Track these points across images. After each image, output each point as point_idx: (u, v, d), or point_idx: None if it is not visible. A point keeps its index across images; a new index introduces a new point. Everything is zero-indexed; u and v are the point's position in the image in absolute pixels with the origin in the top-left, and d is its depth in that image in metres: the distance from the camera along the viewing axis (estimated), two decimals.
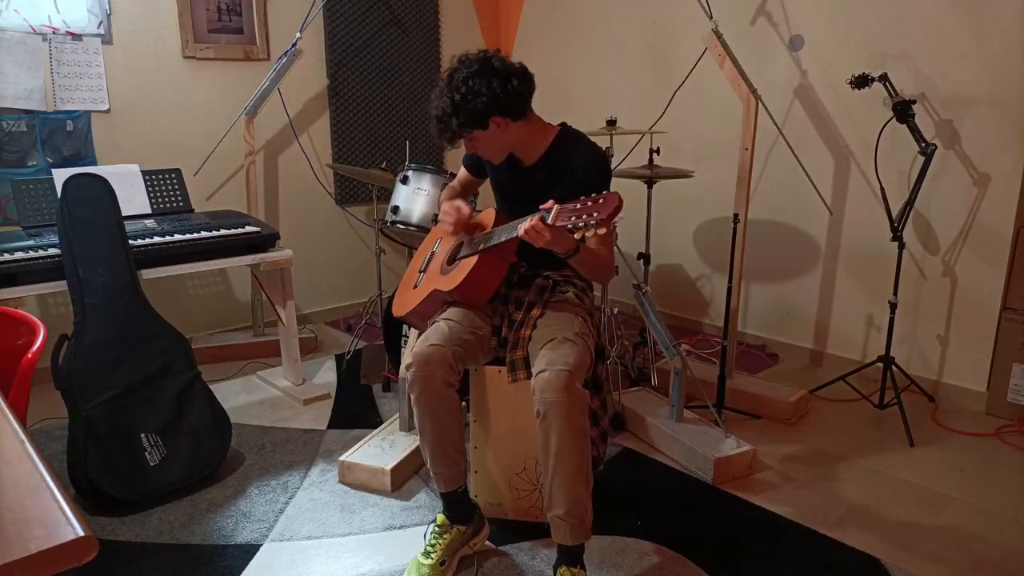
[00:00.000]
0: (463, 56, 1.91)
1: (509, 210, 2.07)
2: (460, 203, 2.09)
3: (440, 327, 1.95)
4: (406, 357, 2.02)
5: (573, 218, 1.59)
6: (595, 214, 1.55)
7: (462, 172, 2.32)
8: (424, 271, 2.25)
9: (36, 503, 0.87)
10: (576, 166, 1.95)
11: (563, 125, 2.05)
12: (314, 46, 3.86)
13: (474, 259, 1.95)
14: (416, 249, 2.59)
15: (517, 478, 2.18)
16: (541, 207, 1.72)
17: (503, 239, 1.87)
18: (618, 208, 1.54)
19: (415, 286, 2.23)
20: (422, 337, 1.94)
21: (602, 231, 1.56)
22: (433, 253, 2.28)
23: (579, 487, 1.76)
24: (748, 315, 3.72)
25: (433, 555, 1.92)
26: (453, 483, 1.97)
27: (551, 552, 1.95)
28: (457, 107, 1.84)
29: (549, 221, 1.66)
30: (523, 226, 1.73)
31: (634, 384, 3.09)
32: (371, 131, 4.19)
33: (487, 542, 2.10)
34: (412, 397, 1.89)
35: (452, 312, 2.01)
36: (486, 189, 3.28)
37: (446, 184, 2.33)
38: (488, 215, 2.09)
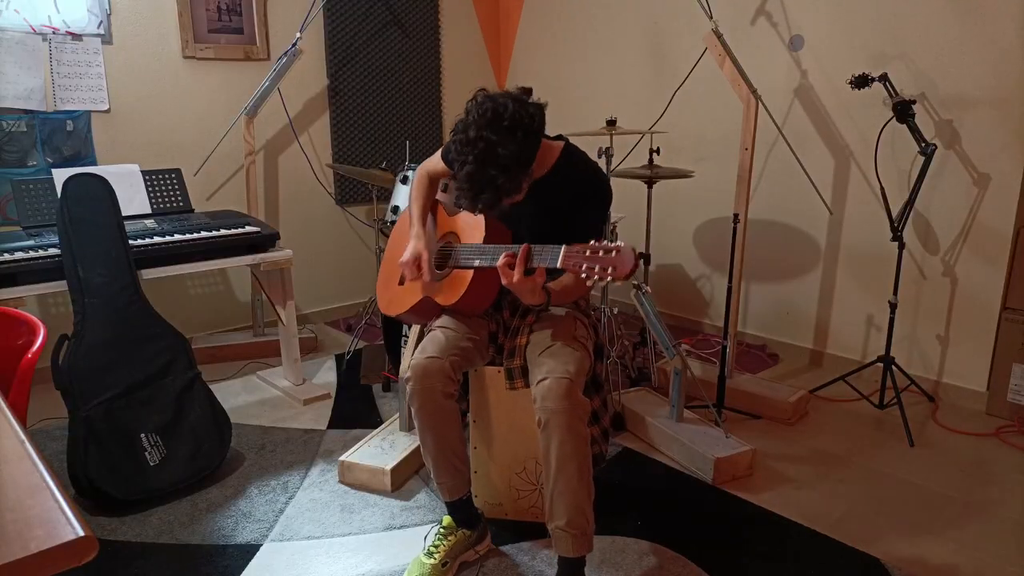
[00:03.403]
0: (479, 119, 1.71)
1: (499, 218, 2.03)
2: (423, 254, 1.97)
3: (436, 337, 1.93)
4: (406, 359, 2.01)
5: (586, 265, 1.58)
6: (611, 268, 1.54)
7: (440, 165, 2.12)
8: None
9: (36, 503, 0.87)
10: (584, 200, 1.92)
11: (565, 143, 1.97)
12: (314, 46, 3.86)
13: (470, 275, 1.91)
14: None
15: (517, 478, 2.18)
16: (510, 253, 1.71)
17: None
18: (635, 267, 1.54)
19: (400, 282, 2.15)
20: (419, 348, 1.92)
21: (616, 284, 1.57)
22: None
23: (580, 496, 1.75)
24: (748, 315, 3.72)
25: (436, 556, 1.92)
26: (457, 492, 1.97)
27: (551, 552, 1.94)
28: (508, 171, 1.70)
29: (559, 264, 1.63)
30: (501, 262, 1.73)
31: (634, 384, 3.09)
32: (371, 131, 4.19)
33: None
34: (412, 410, 1.89)
35: (447, 320, 1.99)
36: None
37: (447, 185, 2.26)
38: (477, 220, 1.98)
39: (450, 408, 1.88)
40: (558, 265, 1.64)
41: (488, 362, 2.07)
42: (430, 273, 1.98)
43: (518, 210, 1.92)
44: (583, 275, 1.57)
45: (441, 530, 1.99)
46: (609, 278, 1.54)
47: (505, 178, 1.70)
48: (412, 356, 1.92)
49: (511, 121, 1.69)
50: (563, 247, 1.64)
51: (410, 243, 2.03)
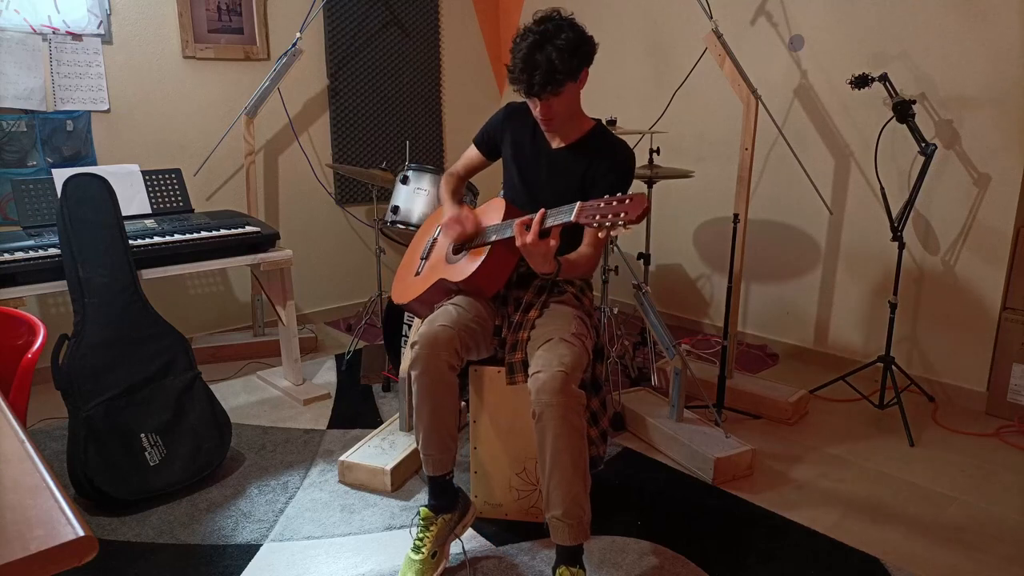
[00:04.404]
0: (543, 17, 1.93)
1: (525, 191, 2.07)
2: (465, 214, 2.05)
3: (448, 310, 1.96)
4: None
5: (599, 216, 1.62)
6: (623, 214, 1.58)
7: (472, 153, 2.26)
8: (426, 258, 2.23)
9: (36, 503, 0.87)
10: (609, 165, 1.99)
11: (598, 120, 2.10)
12: (314, 46, 3.86)
13: (485, 250, 1.95)
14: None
15: (517, 478, 2.18)
16: (531, 218, 1.75)
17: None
18: (647, 210, 1.58)
19: (416, 273, 2.22)
20: (429, 318, 1.96)
21: (627, 231, 1.59)
22: (435, 240, 2.25)
23: (576, 487, 1.76)
24: (748, 315, 3.72)
25: (423, 549, 1.93)
26: (442, 468, 1.98)
27: (551, 552, 1.94)
28: (564, 54, 1.86)
29: (572, 218, 1.68)
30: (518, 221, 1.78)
31: (634, 384, 3.09)
32: (371, 131, 4.19)
33: (483, 537, 2.10)
34: (413, 375, 1.90)
35: (459, 299, 2.02)
36: (485, 187, 3.27)
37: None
38: (496, 204, 2.06)
39: (451, 380, 1.90)
40: (572, 219, 1.68)
41: (491, 356, 2.08)
42: (474, 226, 2.03)
43: (546, 170, 2.04)
44: (595, 225, 1.61)
45: (421, 523, 1.99)
46: (621, 223, 1.58)
47: (559, 58, 1.83)
48: (421, 326, 1.94)
49: (567, 22, 1.92)
50: (578, 203, 1.69)
51: (445, 213, 2.11)
